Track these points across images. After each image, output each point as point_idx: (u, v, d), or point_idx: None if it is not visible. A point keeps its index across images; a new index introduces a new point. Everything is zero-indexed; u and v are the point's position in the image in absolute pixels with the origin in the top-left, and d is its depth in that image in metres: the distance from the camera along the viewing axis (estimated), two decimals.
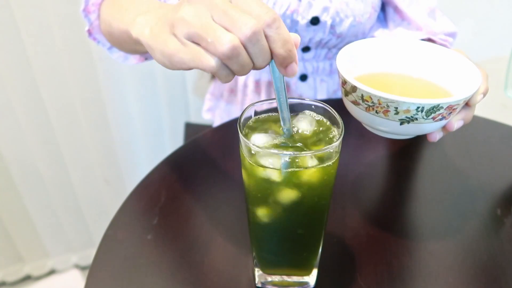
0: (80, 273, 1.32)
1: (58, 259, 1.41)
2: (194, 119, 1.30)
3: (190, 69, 0.39)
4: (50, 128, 1.14)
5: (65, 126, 1.16)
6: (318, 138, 0.41)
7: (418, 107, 0.42)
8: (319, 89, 0.87)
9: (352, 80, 0.44)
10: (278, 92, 0.38)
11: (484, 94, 0.47)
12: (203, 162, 0.66)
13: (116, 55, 0.73)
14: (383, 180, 0.63)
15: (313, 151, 0.37)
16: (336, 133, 0.41)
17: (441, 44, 0.74)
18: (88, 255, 1.42)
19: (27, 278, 1.42)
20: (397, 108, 0.42)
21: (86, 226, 1.38)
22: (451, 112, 0.43)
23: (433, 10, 0.77)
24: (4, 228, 1.28)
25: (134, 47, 0.58)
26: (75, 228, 1.37)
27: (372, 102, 0.43)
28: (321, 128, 0.41)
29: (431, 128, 0.45)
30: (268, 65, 0.37)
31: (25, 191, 1.23)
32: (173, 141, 1.32)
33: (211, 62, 0.36)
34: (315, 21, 0.74)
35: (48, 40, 1.01)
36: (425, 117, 0.43)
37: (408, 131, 0.46)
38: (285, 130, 0.40)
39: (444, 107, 0.42)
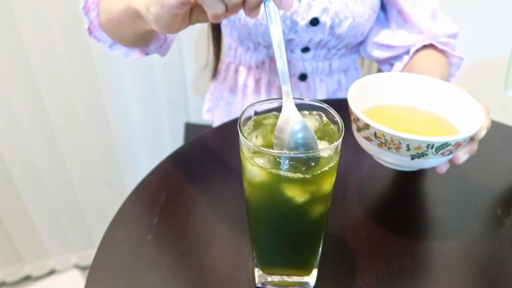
0: (80, 273, 1.31)
1: (58, 259, 1.41)
2: (194, 119, 1.30)
3: (180, 7, 0.38)
4: (50, 128, 1.14)
5: (65, 126, 1.16)
6: (318, 138, 0.41)
7: (428, 144, 0.45)
8: (318, 89, 0.87)
9: (365, 118, 0.47)
10: (275, 30, 0.37)
11: (487, 129, 0.50)
12: (203, 162, 0.66)
13: (116, 52, 0.72)
14: (383, 180, 0.64)
15: (313, 151, 0.37)
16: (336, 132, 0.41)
17: (442, 49, 0.75)
18: (88, 255, 1.42)
19: (27, 278, 1.42)
20: (408, 145, 0.45)
21: (86, 226, 1.38)
22: (458, 147, 0.47)
23: (435, 12, 0.77)
24: (4, 228, 1.28)
25: (133, 26, 0.57)
26: (75, 228, 1.37)
27: (385, 139, 0.46)
28: (321, 128, 0.41)
29: (439, 162, 0.49)
30: (263, 5, 0.36)
31: (25, 191, 1.23)
32: (173, 141, 1.32)
33: None
34: (314, 22, 0.74)
35: (48, 40, 1.01)
36: (434, 153, 0.46)
37: (418, 165, 0.49)
38: (281, 76, 0.38)
39: (453, 144, 0.45)
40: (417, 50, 0.78)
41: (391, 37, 0.81)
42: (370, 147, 0.50)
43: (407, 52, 0.79)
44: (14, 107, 1.08)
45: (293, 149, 0.38)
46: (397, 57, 0.82)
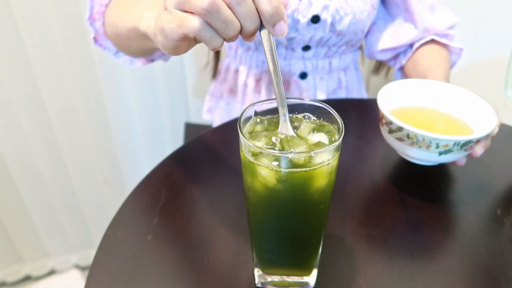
0: (80, 273, 1.32)
1: (58, 259, 1.41)
2: (194, 119, 1.30)
3: (182, 40, 0.39)
4: (50, 128, 1.14)
5: (65, 126, 1.16)
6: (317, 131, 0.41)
7: (455, 142, 0.53)
8: (318, 87, 0.87)
9: (398, 122, 0.55)
10: (270, 57, 0.37)
11: (498, 127, 0.59)
12: (203, 162, 0.66)
13: (122, 60, 0.74)
14: (383, 180, 0.64)
15: (313, 151, 0.37)
16: (336, 133, 0.41)
17: (443, 42, 0.81)
18: (88, 255, 1.42)
19: (27, 278, 1.42)
20: (438, 144, 0.54)
21: (86, 226, 1.38)
22: (477, 143, 0.55)
23: (434, 6, 0.81)
24: (4, 228, 1.28)
25: (141, 44, 0.59)
26: (75, 228, 1.37)
27: (417, 139, 0.54)
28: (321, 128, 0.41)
29: (461, 156, 0.57)
30: (259, 32, 0.37)
31: (25, 191, 1.23)
32: (173, 141, 1.32)
33: (194, 22, 0.36)
34: (315, 19, 0.75)
35: (48, 40, 1.01)
36: (459, 149, 0.54)
37: (443, 160, 0.57)
38: (278, 101, 0.39)
39: (474, 141, 0.54)
40: (420, 45, 0.82)
41: (395, 37, 0.84)
42: (401, 146, 0.58)
43: (411, 46, 0.84)
44: (14, 107, 1.08)
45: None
46: (401, 53, 0.86)
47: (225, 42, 0.39)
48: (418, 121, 0.63)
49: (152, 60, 0.74)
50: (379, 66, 0.98)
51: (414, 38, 0.81)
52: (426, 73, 0.74)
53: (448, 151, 0.54)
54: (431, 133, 0.53)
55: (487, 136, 0.57)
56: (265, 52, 0.38)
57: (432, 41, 0.82)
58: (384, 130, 0.59)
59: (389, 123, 0.56)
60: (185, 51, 0.43)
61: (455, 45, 0.81)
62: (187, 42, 0.41)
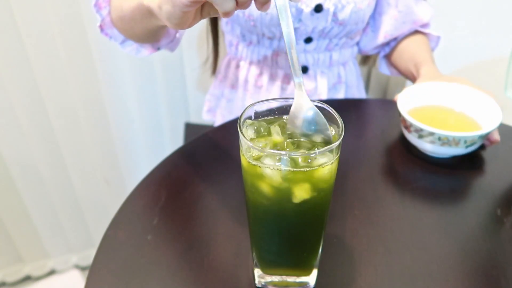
0: (80, 273, 1.32)
1: (58, 260, 1.41)
2: (194, 119, 1.30)
3: (192, 5, 0.38)
4: (50, 128, 1.14)
5: (65, 126, 1.15)
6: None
7: (480, 136, 0.61)
8: (319, 81, 0.88)
9: (429, 128, 0.61)
10: (286, 23, 0.37)
11: None
12: (203, 162, 0.66)
13: (128, 49, 0.74)
14: (382, 180, 0.64)
15: (313, 151, 0.37)
16: (335, 133, 0.41)
17: (425, 32, 0.88)
18: (88, 255, 1.42)
19: (27, 279, 1.42)
20: (466, 140, 0.61)
21: (86, 226, 1.38)
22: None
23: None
24: (4, 228, 1.28)
25: (146, 23, 0.59)
26: (75, 228, 1.37)
27: (448, 140, 0.61)
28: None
29: (481, 143, 0.64)
30: None
31: (25, 191, 1.23)
32: (173, 141, 1.32)
33: None
34: (318, 8, 0.76)
35: (48, 40, 1.01)
36: (482, 140, 0.63)
37: (469, 151, 0.64)
38: (292, 65, 0.39)
39: (492, 130, 0.62)
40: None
41: (387, 34, 0.87)
42: (432, 147, 0.64)
43: (395, 38, 0.89)
44: (14, 107, 1.08)
45: (306, 135, 0.40)
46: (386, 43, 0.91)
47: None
48: (434, 119, 0.69)
49: (158, 48, 0.74)
50: (366, 57, 1.02)
51: (404, 32, 0.87)
52: (415, 59, 0.82)
53: (473, 143, 0.62)
54: (461, 132, 0.60)
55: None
56: (279, 17, 0.37)
57: (416, 31, 0.89)
58: (412, 136, 0.65)
59: (419, 129, 0.62)
60: (189, 25, 0.43)
61: (434, 33, 0.88)
62: (194, 9, 0.40)
